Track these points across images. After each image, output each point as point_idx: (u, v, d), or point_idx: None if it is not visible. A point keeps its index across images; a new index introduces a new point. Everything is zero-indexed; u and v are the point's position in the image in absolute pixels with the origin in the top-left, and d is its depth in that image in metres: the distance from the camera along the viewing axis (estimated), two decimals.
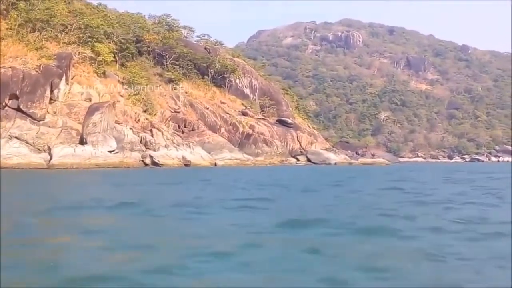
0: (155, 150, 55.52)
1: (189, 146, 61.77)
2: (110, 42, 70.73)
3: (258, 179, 32.21)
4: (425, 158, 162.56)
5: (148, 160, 52.25)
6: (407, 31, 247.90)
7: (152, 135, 59.86)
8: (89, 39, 63.65)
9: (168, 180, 31.39)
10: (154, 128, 61.81)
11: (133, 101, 64.30)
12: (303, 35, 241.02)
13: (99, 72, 62.65)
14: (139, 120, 62.49)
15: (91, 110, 49.57)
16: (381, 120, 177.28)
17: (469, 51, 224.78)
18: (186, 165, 54.71)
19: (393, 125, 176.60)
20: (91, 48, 62.57)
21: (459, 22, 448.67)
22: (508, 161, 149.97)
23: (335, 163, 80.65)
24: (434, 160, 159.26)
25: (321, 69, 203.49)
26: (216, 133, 79.57)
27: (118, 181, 28.57)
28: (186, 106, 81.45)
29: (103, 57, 63.18)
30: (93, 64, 62.85)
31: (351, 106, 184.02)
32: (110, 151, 48.29)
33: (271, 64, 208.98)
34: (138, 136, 56.74)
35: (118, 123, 55.44)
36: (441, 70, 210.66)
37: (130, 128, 56.74)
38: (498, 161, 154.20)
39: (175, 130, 72.64)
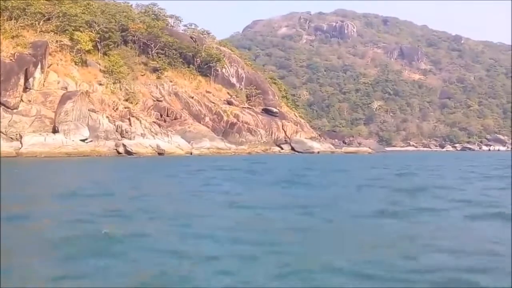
0: (130, 139, 55.64)
1: (167, 135, 61.97)
2: (91, 31, 70.69)
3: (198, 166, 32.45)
4: (416, 147, 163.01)
5: (121, 149, 52.26)
6: (401, 22, 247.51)
7: (130, 124, 59.96)
8: (67, 28, 63.34)
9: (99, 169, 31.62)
10: (133, 116, 61.89)
11: (112, 90, 64.14)
12: (298, 25, 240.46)
13: (77, 60, 62.51)
14: (117, 108, 62.45)
15: (63, 99, 49.71)
16: (374, 110, 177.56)
17: (462, 41, 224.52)
18: (160, 154, 54.77)
19: (386, 114, 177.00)
20: (70, 37, 62.40)
21: (453, 13, 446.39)
22: (499, 150, 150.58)
23: (318, 152, 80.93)
24: (425, 149, 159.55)
25: (315, 59, 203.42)
26: (200, 122, 79.70)
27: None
28: (170, 95, 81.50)
29: (81, 46, 62.82)
30: (72, 53, 62.78)
31: (344, 95, 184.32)
32: (82, 140, 48.42)
33: (265, 54, 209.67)
34: (114, 124, 56.78)
35: (95, 112, 55.54)
36: (434, 60, 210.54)
37: (107, 117, 56.83)
38: (489, 150, 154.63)
39: (157, 119, 72.70)
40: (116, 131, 56.27)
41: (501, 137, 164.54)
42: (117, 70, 66.68)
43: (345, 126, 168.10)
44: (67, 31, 62.98)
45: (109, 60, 68.47)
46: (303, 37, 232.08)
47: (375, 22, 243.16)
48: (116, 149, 52.32)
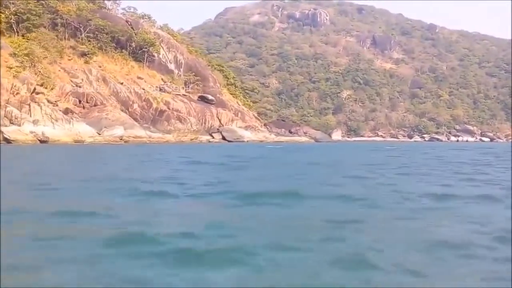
0: (20, 125, 51.74)
1: (69, 122, 58.04)
2: (5, 12, 66.88)
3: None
4: (384, 137, 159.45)
5: None
6: (376, 10, 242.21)
7: (29, 110, 56.11)
8: None
9: None
10: (34, 102, 57.91)
11: (14, 74, 59.91)
12: (271, 12, 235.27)
13: None
14: (18, 93, 58.34)
15: None
16: (343, 99, 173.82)
17: (437, 30, 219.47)
18: (42, 141, 50.75)
19: (355, 104, 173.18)
20: None
21: (430, 1, 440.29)
22: (467, 141, 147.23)
23: (247, 141, 77.21)
24: (393, 139, 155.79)
25: (287, 47, 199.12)
26: (128, 109, 76.10)
27: None
28: (98, 81, 77.72)
29: None
30: None
31: (314, 84, 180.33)
32: None
33: (236, 41, 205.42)
34: (4, 110, 52.77)
35: None
36: (407, 49, 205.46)
37: None
38: (458, 140, 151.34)
39: (75, 105, 69.01)
40: (5, 117, 52.22)
41: (470, 127, 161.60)
42: (20, 53, 62.32)
43: (313, 116, 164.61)
44: None
45: (11, 42, 64.24)
46: (275, 24, 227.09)
47: (350, 10, 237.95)
48: None
